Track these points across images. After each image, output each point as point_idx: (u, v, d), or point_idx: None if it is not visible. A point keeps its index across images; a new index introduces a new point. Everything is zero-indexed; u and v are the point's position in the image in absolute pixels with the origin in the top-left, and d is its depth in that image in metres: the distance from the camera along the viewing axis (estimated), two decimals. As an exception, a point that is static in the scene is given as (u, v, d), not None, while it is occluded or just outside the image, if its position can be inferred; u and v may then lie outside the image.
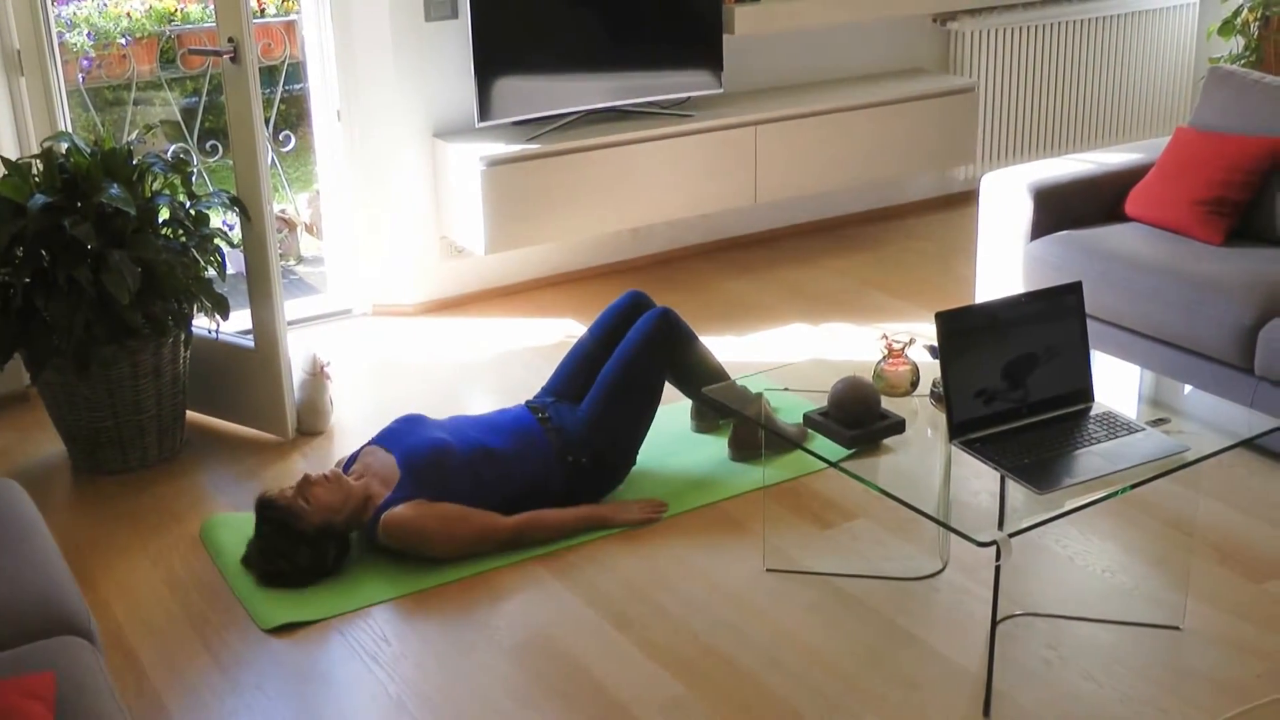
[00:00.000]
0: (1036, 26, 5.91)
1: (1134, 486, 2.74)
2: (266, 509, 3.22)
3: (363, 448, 3.48)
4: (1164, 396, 3.31)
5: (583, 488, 3.49)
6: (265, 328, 3.87)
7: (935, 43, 5.83)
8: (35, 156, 3.70)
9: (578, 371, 3.70)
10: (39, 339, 3.54)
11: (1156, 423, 2.93)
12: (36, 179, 3.62)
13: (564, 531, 3.39)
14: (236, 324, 3.98)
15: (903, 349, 3.10)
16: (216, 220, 4.01)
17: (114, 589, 3.22)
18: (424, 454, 3.30)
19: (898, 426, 2.99)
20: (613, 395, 3.54)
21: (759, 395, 3.39)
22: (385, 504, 3.25)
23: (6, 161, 3.63)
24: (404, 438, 3.40)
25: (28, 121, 4.21)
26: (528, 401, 3.65)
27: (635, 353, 3.59)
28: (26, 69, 4.18)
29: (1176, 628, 2.97)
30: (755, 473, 3.67)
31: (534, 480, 3.42)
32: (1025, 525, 2.61)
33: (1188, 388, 3.35)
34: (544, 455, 3.44)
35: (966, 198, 6.03)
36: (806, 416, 3.05)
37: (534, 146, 4.64)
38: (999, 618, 2.89)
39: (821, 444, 3.01)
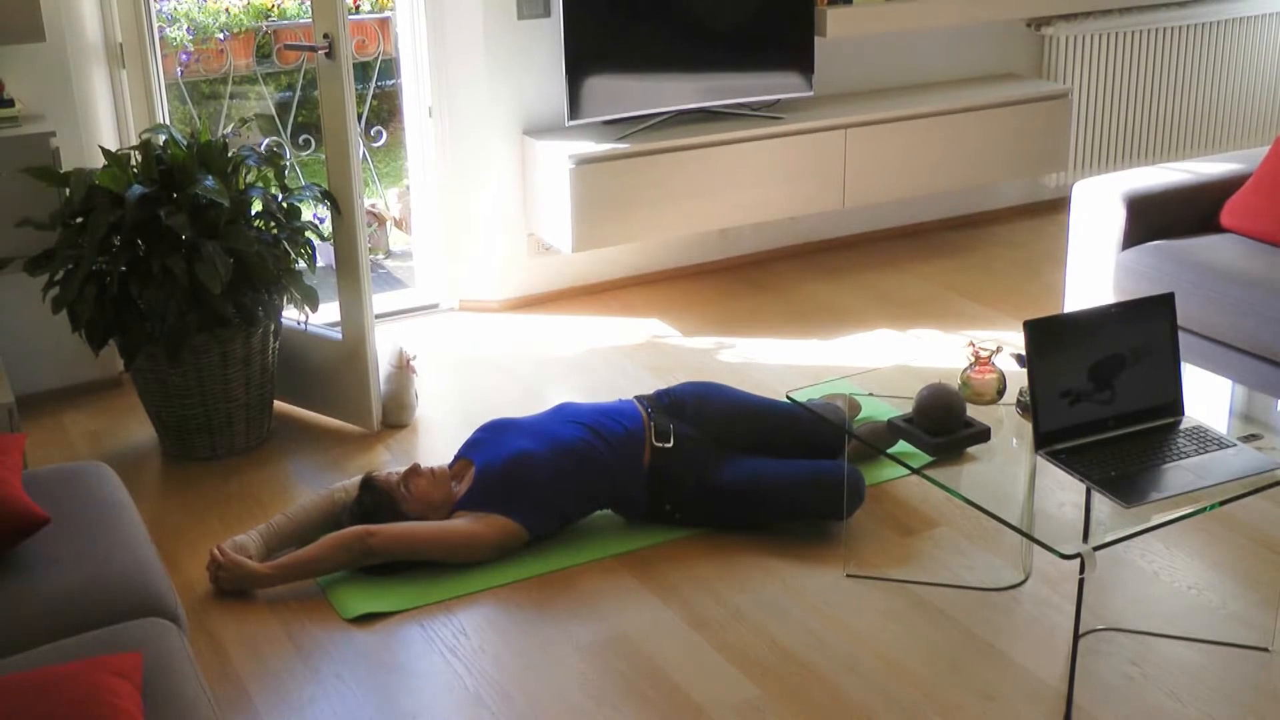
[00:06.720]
0: (1132, 32, 5.81)
1: (1223, 503, 2.69)
2: (368, 487, 3.30)
3: (457, 456, 3.50)
4: (1256, 412, 3.24)
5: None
6: (353, 320, 3.92)
7: (1029, 48, 5.76)
8: (134, 148, 3.78)
9: (726, 423, 3.48)
10: (133, 327, 3.61)
11: (1248, 438, 2.87)
12: (134, 170, 3.69)
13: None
14: (325, 316, 4.03)
15: (989, 357, 3.06)
16: (308, 213, 4.07)
17: (200, 573, 3.27)
18: (497, 468, 3.32)
19: (983, 435, 2.96)
20: (748, 498, 3.36)
21: (849, 400, 3.36)
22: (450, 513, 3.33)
23: (106, 152, 3.70)
24: (485, 449, 3.41)
25: (128, 113, 4.30)
26: (651, 414, 3.47)
27: (793, 492, 3.36)
28: (128, 62, 4.27)
29: (1265, 649, 2.91)
30: (836, 478, 3.64)
31: (614, 486, 3.38)
32: (1111, 539, 2.57)
33: (1282, 404, 3.29)
34: (633, 471, 3.37)
35: (1057, 205, 5.95)
36: (891, 423, 3.03)
37: (623, 146, 4.65)
38: (1081, 632, 2.85)
39: (904, 450, 2.99)
